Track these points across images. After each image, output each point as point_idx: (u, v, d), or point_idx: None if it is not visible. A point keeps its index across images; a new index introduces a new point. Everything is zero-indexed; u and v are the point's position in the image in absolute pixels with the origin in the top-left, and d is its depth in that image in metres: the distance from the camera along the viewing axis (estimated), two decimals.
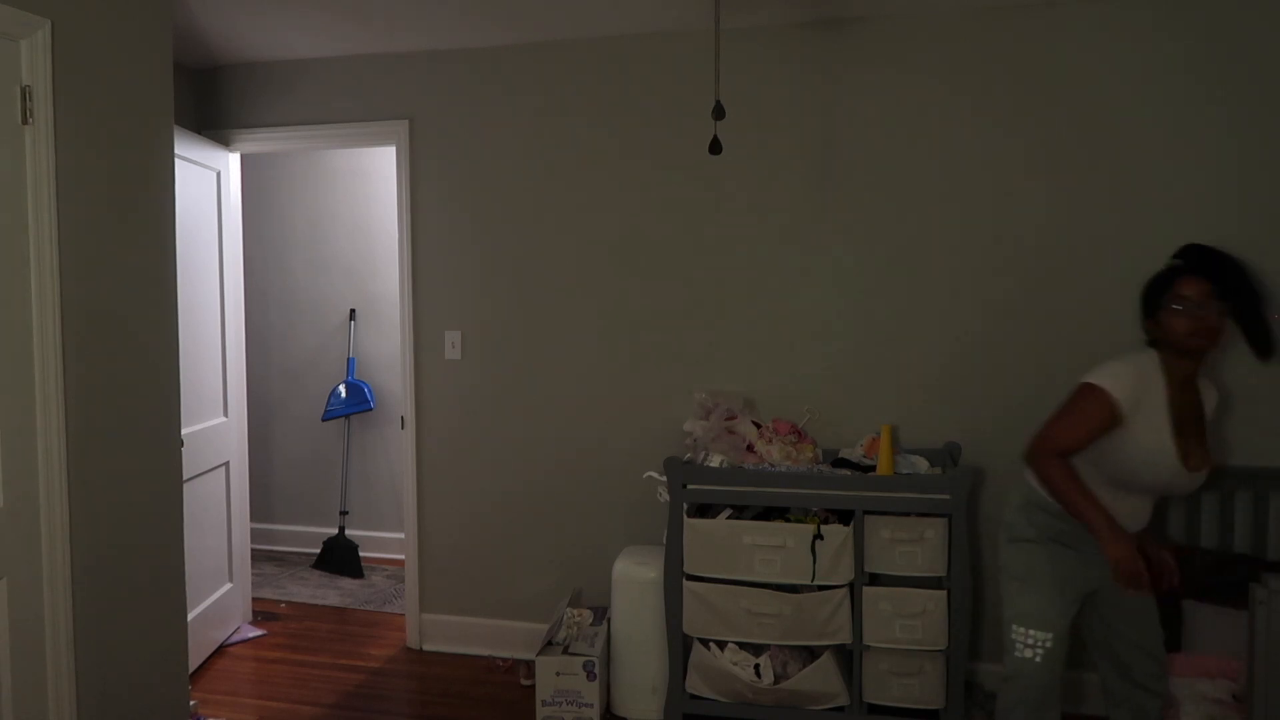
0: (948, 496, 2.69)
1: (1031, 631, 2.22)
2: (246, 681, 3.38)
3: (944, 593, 2.70)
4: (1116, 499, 2.17)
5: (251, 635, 3.77)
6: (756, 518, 2.88)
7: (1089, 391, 2.13)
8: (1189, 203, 2.89)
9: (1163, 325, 2.14)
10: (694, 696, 2.90)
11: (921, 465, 2.89)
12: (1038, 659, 2.20)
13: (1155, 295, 2.17)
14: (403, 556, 3.78)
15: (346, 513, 4.72)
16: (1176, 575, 2.29)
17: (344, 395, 4.67)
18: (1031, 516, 2.28)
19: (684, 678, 2.90)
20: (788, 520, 2.83)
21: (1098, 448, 2.16)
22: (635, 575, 3.04)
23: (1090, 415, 2.13)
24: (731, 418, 3.07)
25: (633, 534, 3.37)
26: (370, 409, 4.70)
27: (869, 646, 2.76)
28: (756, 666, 2.82)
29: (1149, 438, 2.10)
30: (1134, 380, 2.12)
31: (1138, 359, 2.17)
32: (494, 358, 3.51)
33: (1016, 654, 2.23)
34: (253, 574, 4.11)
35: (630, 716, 3.04)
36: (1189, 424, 2.15)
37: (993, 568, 2.97)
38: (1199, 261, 2.14)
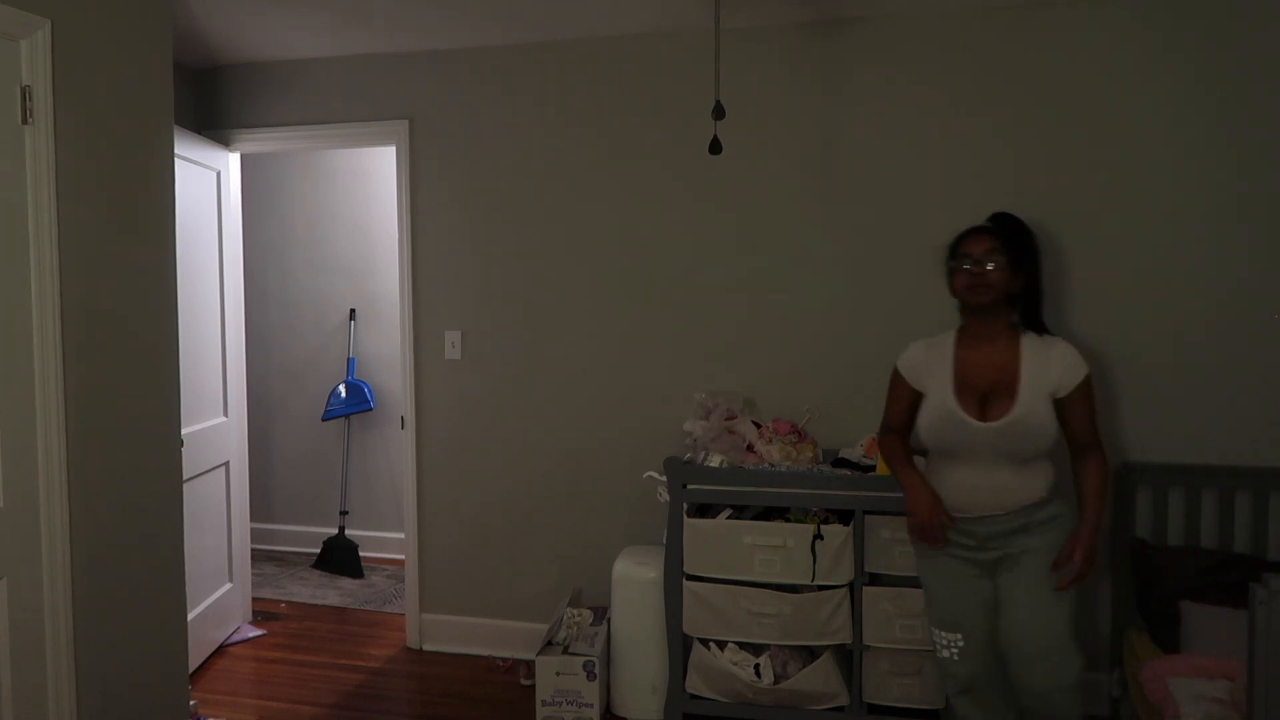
0: None
1: (943, 634, 2.31)
2: (246, 681, 3.38)
3: None
4: (954, 467, 2.23)
5: (251, 635, 3.77)
6: (756, 518, 2.88)
7: (892, 371, 2.37)
8: (1187, 202, 2.89)
9: (952, 285, 2.25)
10: (694, 696, 2.90)
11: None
12: (955, 658, 2.29)
13: (949, 258, 2.27)
14: (403, 556, 3.78)
15: (346, 513, 4.73)
16: (1078, 569, 2.12)
17: (344, 395, 4.67)
18: None
19: (684, 677, 2.90)
20: (788, 520, 2.83)
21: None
22: (635, 575, 3.04)
23: (893, 391, 2.38)
24: (731, 418, 3.07)
25: (633, 534, 3.37)
26: (370, 409, 4.70)
27: (869, 646, 2.76)
28: (756, 666, 2.82)
29: (934, 398, 2.24)
30: (922, 352, 2.31)
31: (941, 333, 2.32)
32: (494, 358, 3.51)
33: (939, 654, 2.33)
34: (253, 574, 4.11)
35: (630, 716, 3.04)
36: (986, 379, 2.19)
37: None
38: (992, 222, 2.27)
